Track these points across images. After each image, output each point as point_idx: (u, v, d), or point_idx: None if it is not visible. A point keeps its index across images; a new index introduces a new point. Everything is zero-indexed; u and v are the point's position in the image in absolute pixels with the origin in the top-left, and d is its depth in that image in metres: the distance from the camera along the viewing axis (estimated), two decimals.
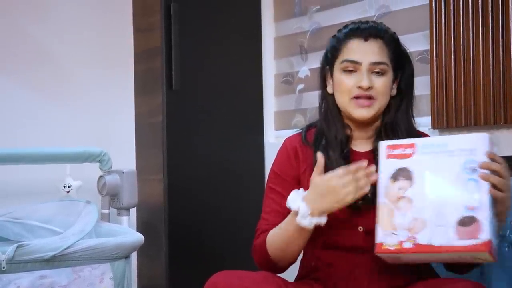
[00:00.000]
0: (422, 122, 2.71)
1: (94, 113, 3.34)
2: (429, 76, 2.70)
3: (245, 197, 3.33)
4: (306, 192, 1.77)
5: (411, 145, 1.72)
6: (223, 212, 3.34)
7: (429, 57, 2.71)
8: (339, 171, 1.73)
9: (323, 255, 1.90)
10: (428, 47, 2.73)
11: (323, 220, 1.75)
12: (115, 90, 3.40)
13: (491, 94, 2.51)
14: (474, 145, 1.65)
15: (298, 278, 1.98)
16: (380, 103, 1.87)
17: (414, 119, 1.96)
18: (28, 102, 3.21)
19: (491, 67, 2.51)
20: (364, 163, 1.73)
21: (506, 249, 2.05)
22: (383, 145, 1.77)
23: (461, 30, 2.59)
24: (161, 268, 3.21)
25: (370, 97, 1.86)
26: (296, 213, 1.76)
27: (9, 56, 3.18)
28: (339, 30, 1.95)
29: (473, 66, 2.56)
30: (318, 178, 1.75)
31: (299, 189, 1.83)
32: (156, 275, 3.25)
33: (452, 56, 2.62)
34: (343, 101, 1.89)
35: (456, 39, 2.60)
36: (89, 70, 3.34)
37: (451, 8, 2.62)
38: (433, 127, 2.68)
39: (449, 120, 2.63)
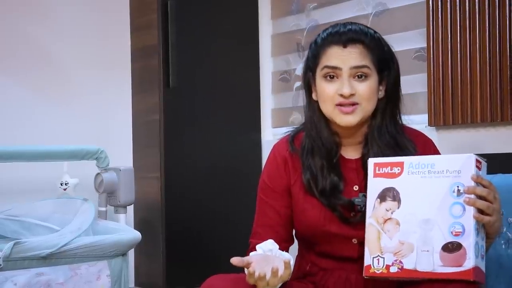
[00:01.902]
0: (419, 119, 2.71)
1: (91, 111, 3.34)
2: (426, 74, 2.70)
3: (242, 194, 3.32)
4: None
5: (399, 164, 1.69)
6: (220, 209, 3.34)
7: (426, 55, 2.71)
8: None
9: (319, 261, 1.90)
10: (425, 45, 2.73)
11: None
12: (112, 88, 3.40)
13: (488, 91, 2.51)
14: (461, 167, 1.62)
15: (294, 277, 1.93)
16: (364, 108, 1.81)
17: (401, 119, 1.89)
18: (25, 100, 3.21)
19: (488, 65, 2.51)
20: (235, 261, 1.67)
21: (503, 246, 2.05)
22: (371, 162, 1.73)
23: (458, 28, 2.59)
24: (158, 265, 3.21)
25: (353, 104, 1.80)
26: None
27: (8, 55, 3.18)
28: (319, 34, 1.88)
29: (470, 63, 2.56)
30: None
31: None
32: (153, 273, 3.25)
33: (449, 54, 2.62)
34: (327, 109, 1.83)
35: (453, 37, 2.61)
36: (86, 68, 3.34)
37: (448, 6, 2.62)
38: (430, 124, 2.68)
39: (446, 117, 2.63)
